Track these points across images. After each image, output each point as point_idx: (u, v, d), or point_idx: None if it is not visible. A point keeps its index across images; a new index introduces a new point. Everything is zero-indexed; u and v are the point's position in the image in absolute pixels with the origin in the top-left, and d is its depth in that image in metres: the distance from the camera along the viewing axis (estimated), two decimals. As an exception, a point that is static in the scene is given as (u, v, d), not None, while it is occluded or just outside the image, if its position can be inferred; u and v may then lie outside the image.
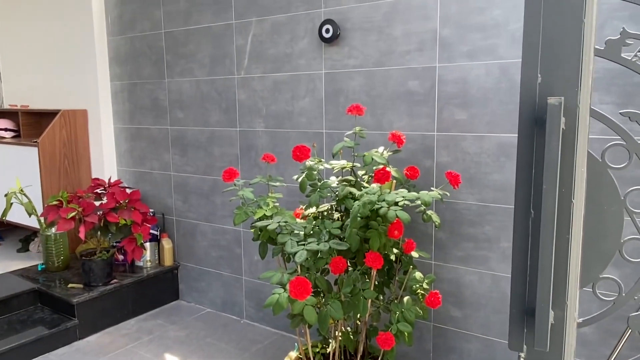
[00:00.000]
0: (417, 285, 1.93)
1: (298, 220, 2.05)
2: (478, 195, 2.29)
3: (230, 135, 3.10)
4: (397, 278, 2.08)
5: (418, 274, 1.97)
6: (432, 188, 2.04)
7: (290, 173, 2.84)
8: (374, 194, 1.76)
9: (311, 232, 1.94)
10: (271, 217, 1.99)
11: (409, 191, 1.87)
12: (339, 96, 2.63)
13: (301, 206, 2.27)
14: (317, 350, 2.32)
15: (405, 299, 1.91)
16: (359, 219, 1.73)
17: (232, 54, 3.00)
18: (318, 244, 1.81)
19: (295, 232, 1.91)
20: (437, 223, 1.83)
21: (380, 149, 2.14)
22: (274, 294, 1.71)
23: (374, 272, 1.94)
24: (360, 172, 2.17)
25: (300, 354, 2.33)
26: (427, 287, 1.93)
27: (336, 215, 2.08)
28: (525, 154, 0.98)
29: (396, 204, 1.74)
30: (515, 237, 1.02)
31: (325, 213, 2.11)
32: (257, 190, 2.38)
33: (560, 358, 1.02)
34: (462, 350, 2.42)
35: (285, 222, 1.91)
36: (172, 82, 3.32)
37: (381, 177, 1.68)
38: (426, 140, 2.39)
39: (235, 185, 2.10)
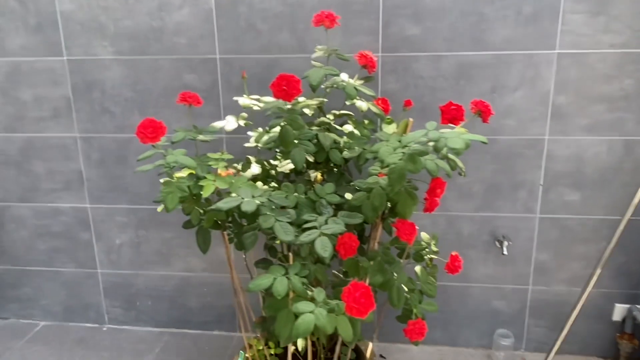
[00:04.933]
0: (426, 250, 1.51)
1: (262, 188, 1.39)
2: (433, 128, 1.93)
3: (52, 68, 2.04)
4: (377, 241, 1.62)
5: (424, 235, 1.55)
6: (450, 125, 1.56)
7: (178, 122, 2.02)
8: (399, 140, 1.22)
9: (296, 204, 1.32)
10: (228, 191, 1.28)
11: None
12: (238, 5, 1.88)
13: (223, 165, 1.56)
14: (272, 351, 1.75)
15: (418, 269, 1.48)
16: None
17: (40, -63, 1.89)
18: (327, 222, 1.22)
19: (275, 209, 1.26)
20: (463, 170, 1.41)
21: (344, 76, 1.56)
22: (301, 313, 1.07)
23: (374, 246, 1.44)
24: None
25: (249, 362, 1.73)
26: (436, 249, 1.53)
27: (314, 174, 1.47)
28: None
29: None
30: None
31: (290, 172, 1.48)
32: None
33: None
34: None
35: (260, 196, 1.23)
36: None
37: (455, 114, 1.14)
38: (368, 64, 1.89)
39: (155, 147, 1.28)
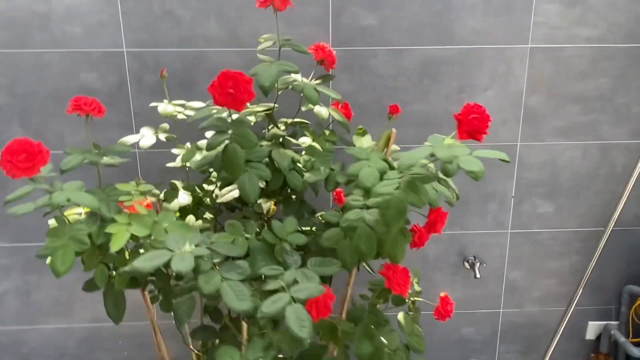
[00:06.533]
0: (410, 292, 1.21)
1: (196, 224, 1.01)
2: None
3: None
4: (351, 288, 1.28)
5: (404, 272, 1.24)
6: (436, 135, 1.24)
7: (74, 135, 1.57)
8: (385, 160, 0.91)
9: (247, 251, 0.95)
10: (150, 237, 0.89)
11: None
12: (150, -15, 1.48)
13: (148, 198, 1.16)
14: None
15: (401, 317, 1.17)
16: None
17: None
18: (298, 282, 0.87)
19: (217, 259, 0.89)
20: (456, 193, 1.10)
21: (295, 75, 1.22)
22: None
23: (349, 296, 1.12)
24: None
25: None
26: (419, 289, 1.23)
27: (266, 205, 1.10)
28: None
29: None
30: None
31: (236, 202, 1.11)
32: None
33: None
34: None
35: (198, 245, 0.86)
36: None
37: (477, 125, 0.82)
38: (317, 60, 1.56)
39: (34, 181, 0.86)
